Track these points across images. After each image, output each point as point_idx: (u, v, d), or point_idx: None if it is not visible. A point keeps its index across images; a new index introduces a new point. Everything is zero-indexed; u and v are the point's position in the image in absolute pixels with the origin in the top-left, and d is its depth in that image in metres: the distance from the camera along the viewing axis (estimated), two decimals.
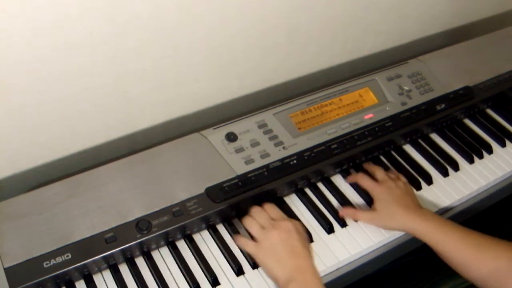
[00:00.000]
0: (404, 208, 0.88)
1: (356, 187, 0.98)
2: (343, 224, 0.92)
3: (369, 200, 0.95)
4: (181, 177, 0.89)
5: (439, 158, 1.05)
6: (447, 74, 1.14)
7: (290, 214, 0.92)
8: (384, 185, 0.92)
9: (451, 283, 0.95)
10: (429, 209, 0.91)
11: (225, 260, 0.86)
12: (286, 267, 0.77)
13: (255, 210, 0.86)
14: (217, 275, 0.83)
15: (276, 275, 0.78)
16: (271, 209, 0.87)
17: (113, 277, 0.81)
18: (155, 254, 0.85)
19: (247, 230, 0.85)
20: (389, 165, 1.03)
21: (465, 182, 1.01)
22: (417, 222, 0.86)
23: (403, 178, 0.96)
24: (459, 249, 0.82)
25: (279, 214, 0.86)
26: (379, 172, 0.96)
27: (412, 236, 0.88)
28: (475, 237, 0.83)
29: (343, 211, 0.93)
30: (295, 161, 0.94)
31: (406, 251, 0.98)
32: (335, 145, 0.98)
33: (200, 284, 0.82)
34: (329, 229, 0.91)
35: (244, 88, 1.14)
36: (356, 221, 0.92)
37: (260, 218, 0.84)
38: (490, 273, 0.78)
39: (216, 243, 0.88)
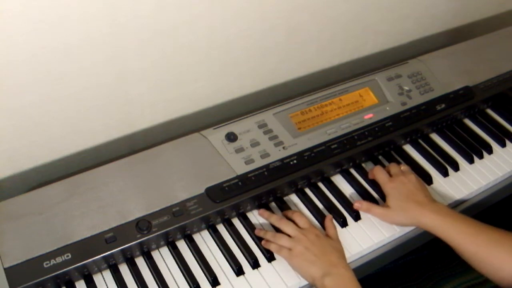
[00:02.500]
0: (416, 204, 0.88)
1: (356, 187, 0.98)
2: (343, 224, 0.92)
3: (369, 201, 0.95)
4: (181, 177, 0.89)
5: (439, 158, 1.05)
6: (447, 74, 1.14)
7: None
8: (395, 180, 0.93)
9: (454, 282, 0.95)
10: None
11: (225, 260, 0.86)
12: (320, 265, 0.80)
13: (283, 222, 0.87)
14: (217, 275, 0.83)
15: (312, 274, 0.80)
16: (298, 218, 0.88)
17: (113, 277, 0.81)
18: (155, 254, 0.85)
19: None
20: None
21: (465, 182, 1.01)
22: (430, 217, 0.86)
23: (413, 174, 0.95)
24: (473, 245, 0.82)
25: (306, 222, 0.87)
26: (393, 167, 0.97)
27: (416, 234, 0.88)
28: (490, 232, 0.83)
29: (358, 203, 0.93)
30: (295, 161, 0.94)
31: (407, 251, 0.98)
32: (335, 145, 0.98)
33: (200, 284, 0.82)
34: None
35: (244, 88, 1.14)
36: (357, 215, 0.92)
37: (288, 229, 0.86)
38: (504, 268, 0.79)
39: (216, 243, 0.88)
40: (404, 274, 1.00)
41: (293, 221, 0.88)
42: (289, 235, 0.85)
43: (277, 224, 0.88)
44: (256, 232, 0.89)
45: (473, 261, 0.82)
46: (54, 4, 0.75)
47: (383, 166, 1.02)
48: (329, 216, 0.91)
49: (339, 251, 0.84)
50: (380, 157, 1.05)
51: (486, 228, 0.84)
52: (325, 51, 1.20)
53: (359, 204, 0.93)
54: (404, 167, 0.97)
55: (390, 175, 0.95)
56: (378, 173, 0.95)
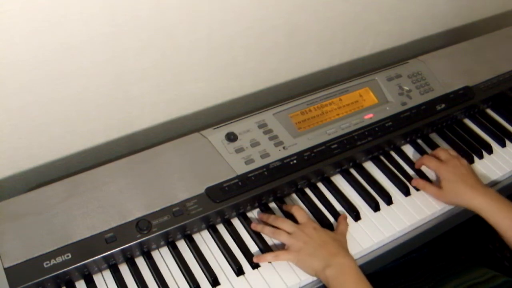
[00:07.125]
0: (469, 187, 0.92)
1: (356, 187, 0.98)
2: None
3: (369, 201, 0.95)
4: (181, 177, 0.89)
5: None
6: (447, 74, 1.14)
7: (290, 214, 0.92)
8: (449, 164, 0.97)
9: (456, 281, 0.95)
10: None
11: (225, 260, 0.86)
12: (320, 257, 0.82)
13: (279, 221, 0.88)
14: (217, 275, 0.83)
15: (314, 268, 0.82)
16: (296, 212, 0.89)
17: (113, 277, 0.81)
18: (155, 254, 0.85)
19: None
20: (389, 165, 1.03)
21: None
22: (480, 201, 0.90)
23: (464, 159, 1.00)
24: None
25: (304, 216, 0.89)
26: (442, 153, 1.00)
27: (416, 234, 0.89)
28: None
29: (415, 180, 0.98)
30: (295, 161, 0.94)
31: (408, 250, 0.98)
32: (335, 145, 0.98)
33: (200, 284, 0.82)
34: (329, 229, 0.91)
35: (244, 88, 1.14)
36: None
37: (285, 226, 0.87)
38: None
39: (216, 243, 0.88)
40: (405, 273, 1.01)
41: (292, 216, 0.89)
42: (287, 232, 0.86)
43: (274, 223, 0.88)
44: (253, 226, 0.89)
45: None
46: (54, 4, 0.75)
47: (384, 166, 1.02)
48: (343, 215, 0.93)
49: (339, 241, 0.85)
50: (381, 156, 1.05)
51: None
52: (325, 51, 1.20)
53: (416, 181, 0.98)
54: (452, 151, 1.01)
55: (439, 159, 0.99)
56: (429, 161, 0.99)
